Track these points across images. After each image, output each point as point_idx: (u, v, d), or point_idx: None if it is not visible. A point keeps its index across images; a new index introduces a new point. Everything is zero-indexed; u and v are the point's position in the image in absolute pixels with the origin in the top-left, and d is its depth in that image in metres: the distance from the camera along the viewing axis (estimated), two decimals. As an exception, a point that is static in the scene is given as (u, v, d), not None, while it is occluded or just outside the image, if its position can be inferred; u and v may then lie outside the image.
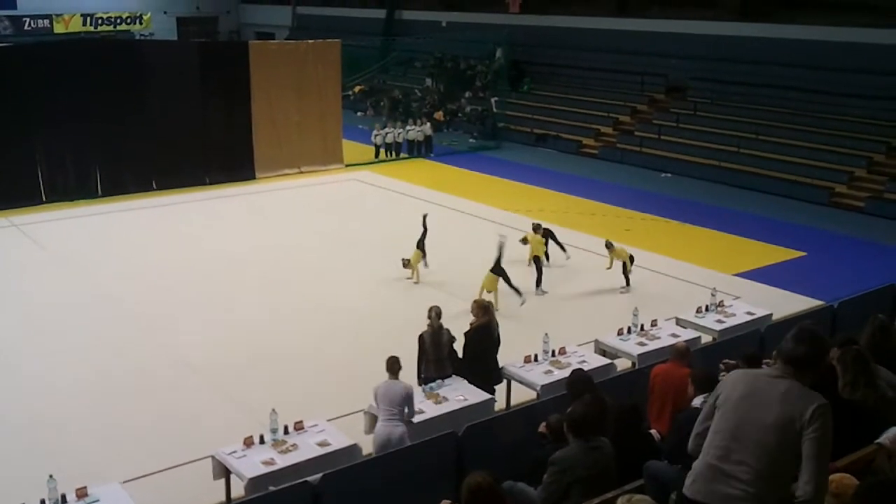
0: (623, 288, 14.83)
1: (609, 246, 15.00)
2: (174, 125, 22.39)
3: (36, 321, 13.59)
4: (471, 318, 10.21)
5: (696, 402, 6.38)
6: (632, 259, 14.96)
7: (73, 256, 16.98)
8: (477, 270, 13.99)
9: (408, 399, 8.51)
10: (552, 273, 15.53)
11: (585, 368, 9.40)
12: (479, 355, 9.99)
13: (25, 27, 44.28)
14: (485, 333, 10.02)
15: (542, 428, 7.05)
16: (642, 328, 11.24)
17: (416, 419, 8.74)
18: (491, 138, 29.93)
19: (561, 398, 7.80)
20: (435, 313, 9.92)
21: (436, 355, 9.84)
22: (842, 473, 4.60)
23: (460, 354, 10.07)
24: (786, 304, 13.63)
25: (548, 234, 16.11)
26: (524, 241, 15.46)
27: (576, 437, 5.88)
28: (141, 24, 47.35)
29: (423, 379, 9.79)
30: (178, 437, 9.88)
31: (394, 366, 8.64)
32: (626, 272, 14.83)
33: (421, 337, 9.91)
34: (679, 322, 11.77)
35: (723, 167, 24.21)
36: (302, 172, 24.54)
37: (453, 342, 10.01)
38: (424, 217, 15.59)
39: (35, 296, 14.73)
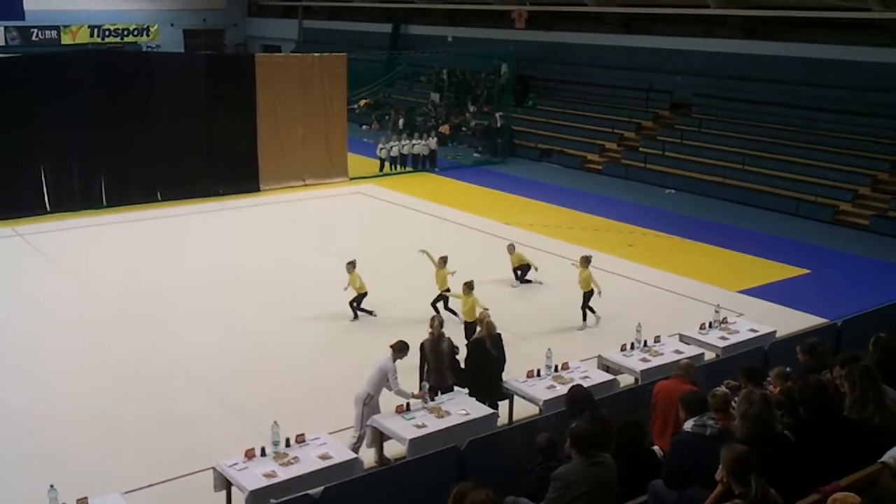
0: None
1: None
2: (179, 137, 22.48)
3: (39, 330, 13.60)
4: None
5: (688, 425, 6.32)
6: (589, 294, 14.05)
7: (76, 266, 17.00)
8: (480, 284, 13.95)
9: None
10: (554, 288, 15.52)
11: (588, 384, 9.44)
12: (475, 369, 10.17)
13: (33, 38, 44.47)
14: (479, 347, 10.24)
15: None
16: (645, 344, 11.22)
17: (419, 433, 8.80)
18: (495, 153, 30.00)
19: (564, 413, 7.78)
20: (438, 322, 10.24)
21: (436, 364, 10.04)
22: (845, 492, 4.58)
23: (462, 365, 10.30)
24: (789, 321, 13.60)
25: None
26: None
27: (579, 452, 5.86)
28: (148, 35, 47.57)
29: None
30: (179, 448, 9.87)
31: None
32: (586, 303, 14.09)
33: (422, 345, 10.13)
34: (682, 338, 11.73)
35: (727, 184, 24.22)
36: (306, 185, 24.59)
37: (455, 352, 10.18)
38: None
39: (38, 305, 14.74)
